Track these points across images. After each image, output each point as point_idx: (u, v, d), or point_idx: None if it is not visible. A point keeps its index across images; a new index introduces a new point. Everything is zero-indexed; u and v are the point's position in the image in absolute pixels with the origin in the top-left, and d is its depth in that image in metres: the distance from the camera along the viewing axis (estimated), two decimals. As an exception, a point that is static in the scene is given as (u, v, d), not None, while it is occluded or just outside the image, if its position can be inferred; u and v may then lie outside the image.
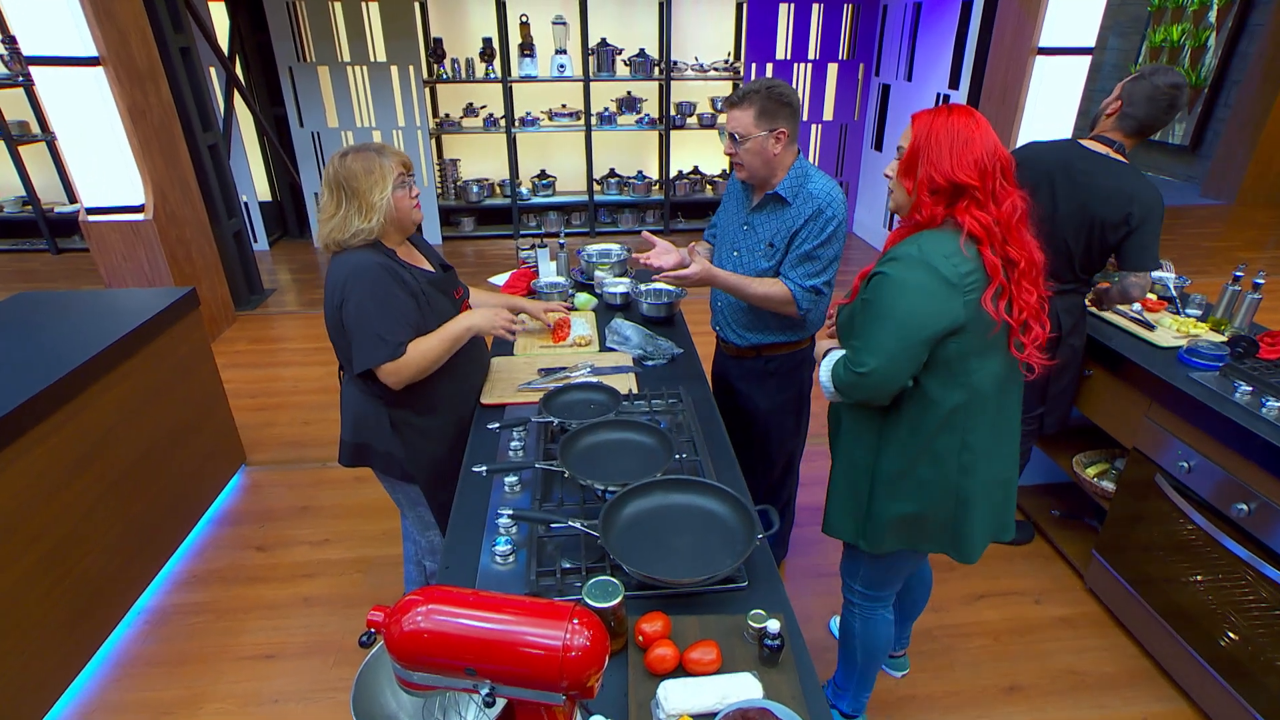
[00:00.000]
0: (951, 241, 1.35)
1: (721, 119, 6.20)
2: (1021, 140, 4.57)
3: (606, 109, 6.28)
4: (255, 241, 6.04)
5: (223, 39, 5.57)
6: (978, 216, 1.34)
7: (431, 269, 1.87)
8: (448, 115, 6.36)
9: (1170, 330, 2.30)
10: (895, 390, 1.41)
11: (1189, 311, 2.45)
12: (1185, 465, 1.98)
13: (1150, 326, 2.33)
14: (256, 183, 6.11)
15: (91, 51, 3.61)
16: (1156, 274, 2.59)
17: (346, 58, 5.68)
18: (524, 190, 6.48)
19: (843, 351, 1.48)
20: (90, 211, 3.97)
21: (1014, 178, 1.38)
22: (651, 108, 6.42)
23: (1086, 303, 2.36)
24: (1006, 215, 1.35)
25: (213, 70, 5.44)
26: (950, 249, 1.34)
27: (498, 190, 6.63)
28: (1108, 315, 2.44)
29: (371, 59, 5.70)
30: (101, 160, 3.86)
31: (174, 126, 4.18)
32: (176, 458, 2.63)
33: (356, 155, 1.66)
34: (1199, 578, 2.00)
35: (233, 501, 3.00)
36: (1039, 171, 2.17)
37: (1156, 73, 2.07)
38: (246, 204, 5.88)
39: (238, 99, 5.66)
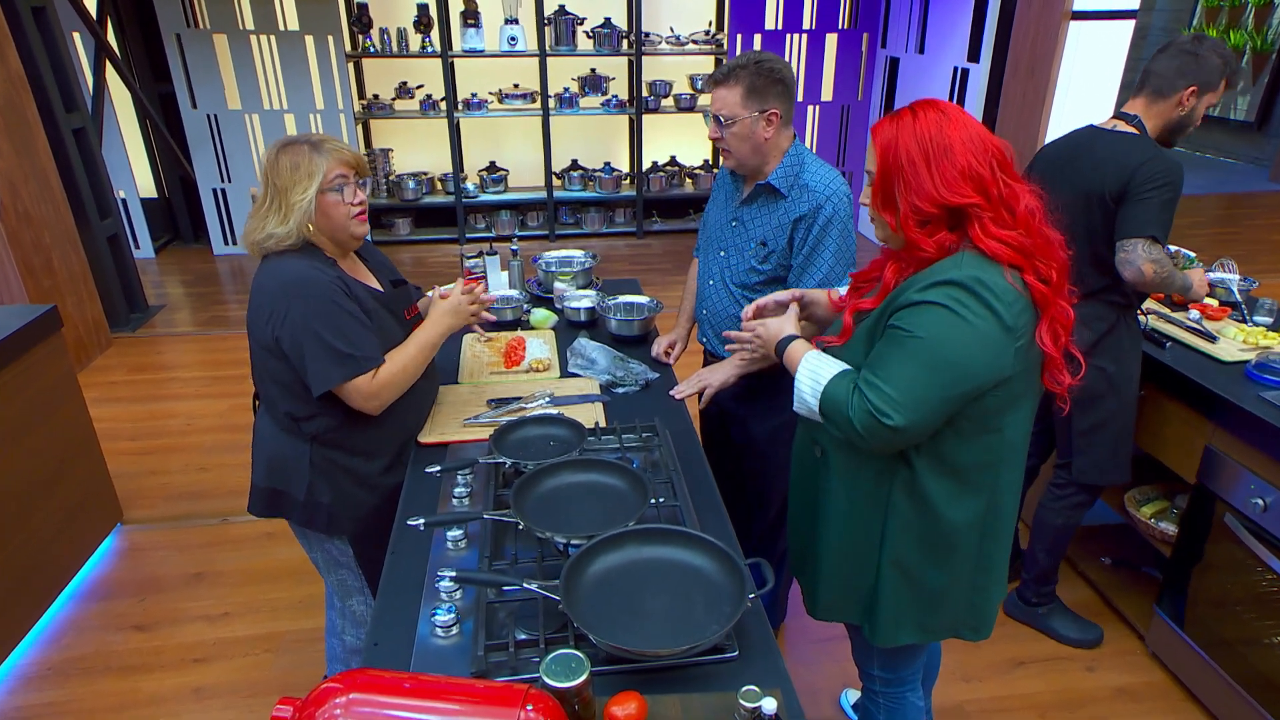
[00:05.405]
0: (998, 270, 1.28)
1: (704, 99, 6.29)
2: (1054, 122, 4.70)
3: (567, 89, 6.35)
4: (137, 248, 5.97)
5: (91, -1, 5.54)
6: (1004, 238, 1.27)
7: (380, 287, 1.89)
8: (376, 96, 6.38)
9: (1235, 342, 2.36)
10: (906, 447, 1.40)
11: (1257, 319, 2.52)
12: (1260, 503, 2.01)
13: (1212, 338, 2.39)
14: (138, 176, 6.06)
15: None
16: (1218, 275, 2.66)
17: (249, 25, 5.68)
18: (470, 186, 6.50)
19: (843, 367, 1.42)
20: (-84, 210, 3.89)
21: (1014, 169, 1.33)
22: (620, 88, 6.51)
23: (1139, 315, 2.35)
24: (1025, 220, 1.29)
25: (77, 37, 5.41)
26: (1003, 282, 1.27)
27: (438, 186, 6.65)
28: (1159, 326, 2.49)
29: (281, 27, 5.71)
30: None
31: (26, 105, 4.13)
32: (30, 518, 2.55)
33: (288, 149, 1.69)
34: (1281, 637, 2.03)
35: (104, 570, 2.92)
36: (1047, 167, 2.28)
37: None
38: (125, 202, 5.83)
39: (111, 73, 5.60)
